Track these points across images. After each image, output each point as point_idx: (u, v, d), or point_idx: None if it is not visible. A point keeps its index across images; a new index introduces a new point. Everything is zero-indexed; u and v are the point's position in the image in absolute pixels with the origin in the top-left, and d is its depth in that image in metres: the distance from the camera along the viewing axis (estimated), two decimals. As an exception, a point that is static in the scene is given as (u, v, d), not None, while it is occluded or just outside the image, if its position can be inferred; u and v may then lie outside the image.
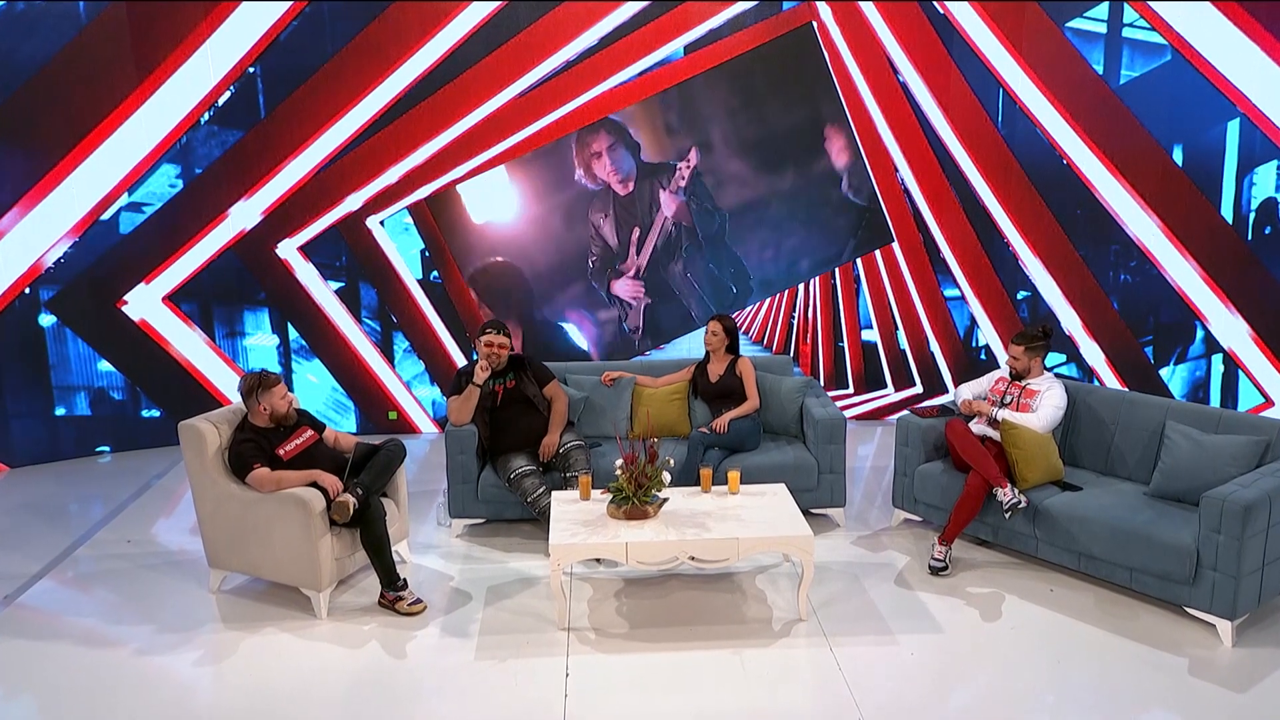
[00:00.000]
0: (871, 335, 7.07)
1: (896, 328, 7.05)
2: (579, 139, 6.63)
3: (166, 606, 4.32)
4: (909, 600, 4.25)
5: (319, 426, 4.51)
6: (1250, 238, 6.63)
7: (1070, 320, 6.86)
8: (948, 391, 7.02)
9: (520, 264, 6.80)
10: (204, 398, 6.68)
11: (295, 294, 6.76)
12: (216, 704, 3.59)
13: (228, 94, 6.38)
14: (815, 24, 6.56)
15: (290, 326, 6.85)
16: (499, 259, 6.74)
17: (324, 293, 6.80)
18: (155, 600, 4.39)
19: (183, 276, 6.61)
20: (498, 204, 6.72)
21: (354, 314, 6.86)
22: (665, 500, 4.24)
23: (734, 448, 5.07)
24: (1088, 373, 6.93)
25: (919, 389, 7.13)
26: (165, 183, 6.46)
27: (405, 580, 4.24)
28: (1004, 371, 4.83)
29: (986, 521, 4.59)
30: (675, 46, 6.53)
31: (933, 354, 7.07)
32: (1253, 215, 6.62)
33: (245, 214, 6.59)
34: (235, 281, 6.71)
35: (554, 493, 4.57)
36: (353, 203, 6.65)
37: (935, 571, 4.47)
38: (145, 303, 6.58)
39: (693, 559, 3.99)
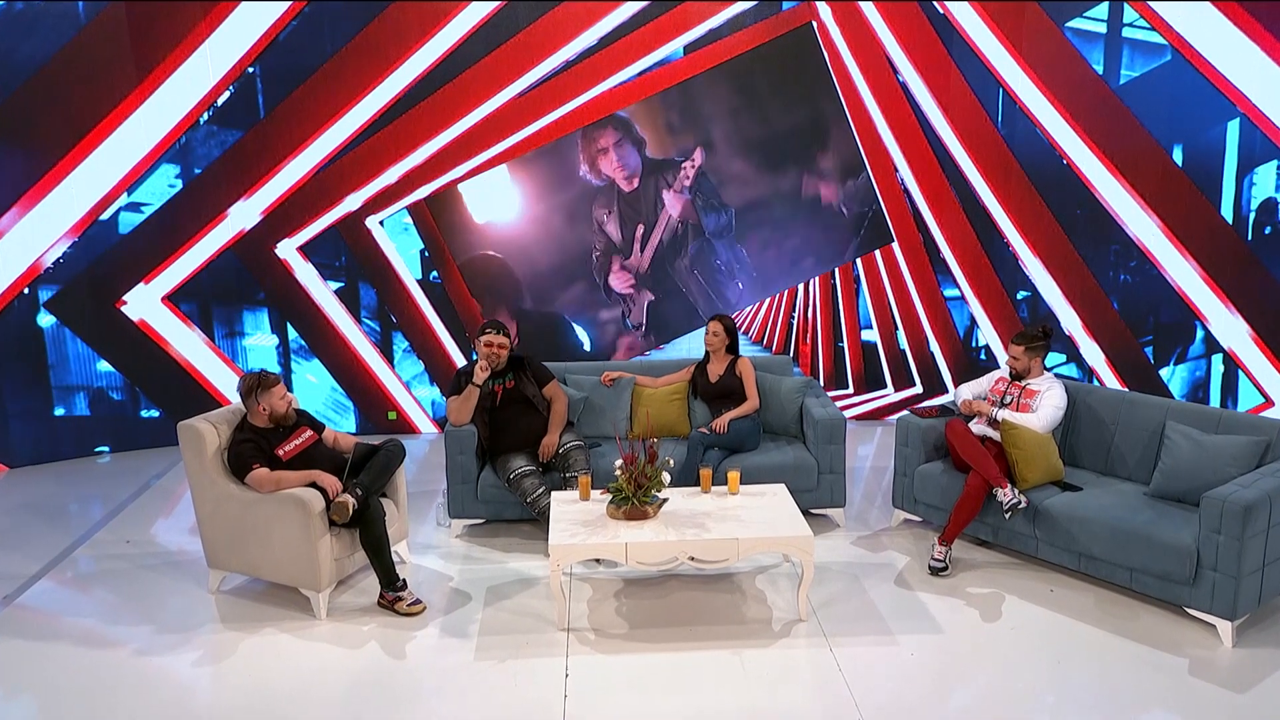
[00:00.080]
0: (871, 335, 7.07)
1: (896, 328, 7.04)
2: (585, 135, 6.62)
3: (166, 607, 4.32)
4: (909, 600, 4.25)
5: (318, 427, 4.51)
6: (1250, 238, 6.62)
7: (1070, 320, 6.86)
8: (947, 391, 7.02)
9: (521, 263, 6.79)
10: (203, 398, 6.68)
11: (295, 294, 6.76)
12: (216, 704, 3.59)
13: (227, 94, 6.38)
14: (815, 24, 6.56)
15: (289, 326, 6.84)
16: (490, 253, 6.73)
17: (323, 293, 6.80)
18: (154, 600, 4.39)
19: (182, 276, 6.61)
20: (499, 203, 6.71)
21: (353, 314, 6.86)
22: (665, 500, 4.23)
23: (734, 448, 5.07)
24: (1088, 373, 6.93)
25: (919, 389, 7.13)
26: (164, 183, 6.46)
27: (405, 580, 4.24)
28: (1004, 371, 4.82)
29: (986, 522, 4.59)
30: (675, 46, 6.53)
31: (932, 354, 7.07)
32: (1253, 215, 6.61)
33: (244, 214, 6.58)
34: (235, 281, 6.71)
35: (553, 493, 4.56)
36: (352, 203, 6.64)
37: (935, 572, 4.47)
38: (144, 303, 6.58)
39: (692, 559, 3.98)
